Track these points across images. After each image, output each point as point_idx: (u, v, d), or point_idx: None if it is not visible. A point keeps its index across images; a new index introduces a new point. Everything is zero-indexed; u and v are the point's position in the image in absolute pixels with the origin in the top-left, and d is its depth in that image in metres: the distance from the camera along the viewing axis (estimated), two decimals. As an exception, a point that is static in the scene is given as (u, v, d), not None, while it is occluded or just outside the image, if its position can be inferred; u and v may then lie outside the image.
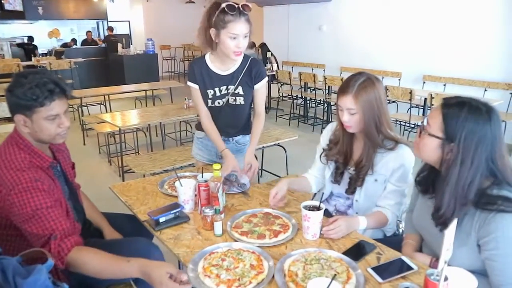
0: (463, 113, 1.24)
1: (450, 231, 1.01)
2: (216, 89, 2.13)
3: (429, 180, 1.45)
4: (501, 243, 1.21)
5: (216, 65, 2.11)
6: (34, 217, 1.39)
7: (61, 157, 1.70)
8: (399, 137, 1.73)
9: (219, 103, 2.16)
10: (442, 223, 1.32)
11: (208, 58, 2.13)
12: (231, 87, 2.12)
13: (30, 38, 11.42)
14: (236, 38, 1.92)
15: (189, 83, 2.16)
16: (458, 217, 1.26)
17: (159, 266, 1.29)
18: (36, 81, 1.41)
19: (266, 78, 2.19)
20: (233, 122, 2.24)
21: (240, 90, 2.13)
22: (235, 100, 2.15)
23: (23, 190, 1.39)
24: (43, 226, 1.40)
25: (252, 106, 2.27)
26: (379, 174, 1.72)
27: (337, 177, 1.87)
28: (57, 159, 1.67)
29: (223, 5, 1.88)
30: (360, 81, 1.63)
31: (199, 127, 2.33)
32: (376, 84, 1.64)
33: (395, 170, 1.70)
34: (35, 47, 10.97)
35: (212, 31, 1.94)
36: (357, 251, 1.45)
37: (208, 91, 2.14)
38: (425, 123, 1.34)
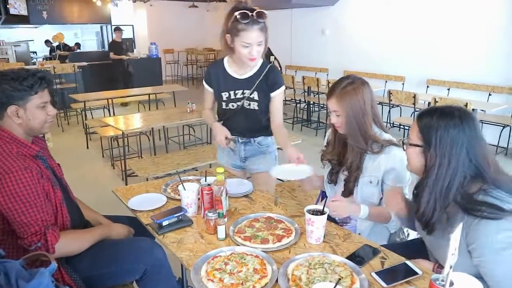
0: (434, 119, 1.30)
1: (456, 235, 0.99)
2: (231, 92, 2.15)
3: None
4: (486, 250, 1.22)
5: (234, 68, 2.13)
6: (26, 207, 1.44)
7: (46, 154, 1.72)
8: (389, 139, 1.73)
9: (233, 106, 2.17)
10: (424, 224, 1.34)
11: (226, 61, 2.16)
12: (247, 92, 2.13)
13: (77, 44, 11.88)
14: (248, 46, 1.93)
15: (204, 83, 2.25)
16: (441, 219, 1.29)
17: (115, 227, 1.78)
18: (26, 73, 1.55)
19: (283, 87, 2.16)
20: (249, 125, 2.23)
21: (255, 95, 2.13)
22: (249, 104, 2.16)
23: (14, 179, 1.42)
24: (35, 216, 1.46)
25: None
26: (372, 176, 1.74)
27: (332, 177, 1.90)
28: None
29: (236, 13, 1.87)
30: (344, 84, 1.69)
31: None
32: (360, 87, 1.68)
33: (387, 171, 1.71)
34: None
35: (228, 37, 1.97)
36: (361, 256, 1.44)
37: (223, 93, 2.16)
38: (406, 140, 1.41)
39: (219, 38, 2.03)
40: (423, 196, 1.31)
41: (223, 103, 2.19)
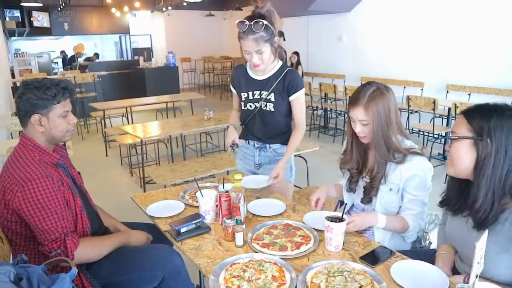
0: (484, 111, 1.28)
1: (481, 243, 0.97)
2: (250, 93, 2.21)
3: (460, 198, 1.40)
4: None
5: (253, 70, 2.19)
6: (47, 214, 1.46)
7: (66, 162, 1.75)
8: (411, 147, 1.69)
9: (251, 106, 2.22)
10: (480, 220, 1.27)
11: (248, 63, 2.21)
12: (264, 93, 2.17)
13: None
14: (249, 53, 2.02)
15: (230, 86, 2.37)
16: (498, 210, 1.23)
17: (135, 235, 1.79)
18: (50, 82, 1.58)
19: (302, 90, 2.17)
20: (266, 129, 2.24)
21: (272, 96, 2.16)
22: (266, 106, 2.19)
23: (36, 186, 1.45)
24: (55, 223, 1.48)
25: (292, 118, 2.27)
26: (393, 184, 1.70)
27: (351, 186, 1.86)
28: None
29: (236, 21, 1.97)
30: (370, 92, 1.63)
31: (240, 136, 2.34)
32: (386, 93, 1.63)
33: (408, 179, 1.66)
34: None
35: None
36: (374, 256, 1.43)
37: (242, 94, 2.24)
38: (450, 135, 1.33)
39: None
40: (479, 190, 1.25)
41: (242, 104, 2.26)
